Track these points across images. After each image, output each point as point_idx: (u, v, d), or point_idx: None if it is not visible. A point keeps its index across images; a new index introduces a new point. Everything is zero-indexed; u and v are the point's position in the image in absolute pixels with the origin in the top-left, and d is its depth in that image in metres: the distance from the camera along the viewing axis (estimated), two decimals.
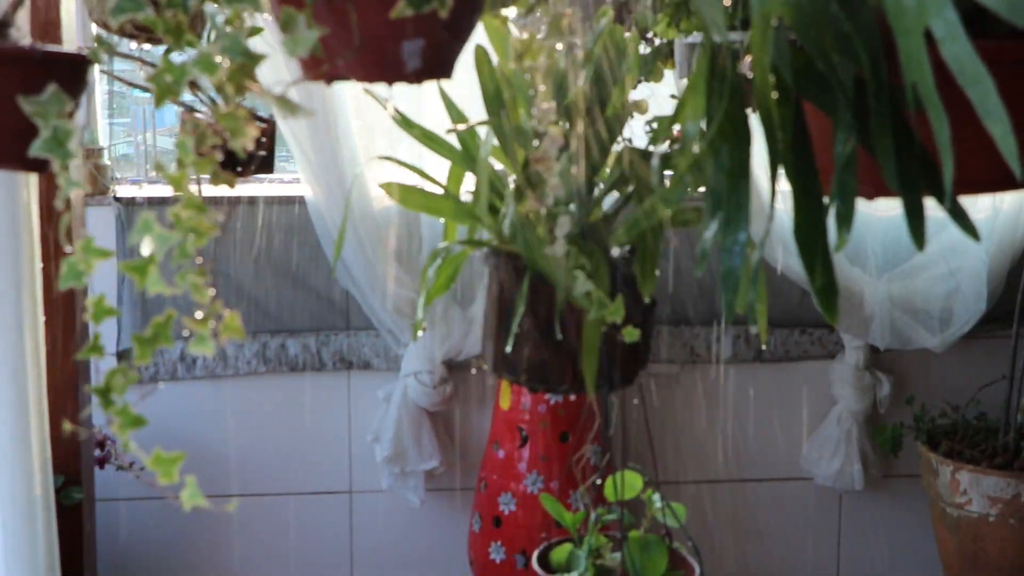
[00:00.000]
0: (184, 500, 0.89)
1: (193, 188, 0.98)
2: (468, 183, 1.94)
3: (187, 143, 0.99)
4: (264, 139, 1.90)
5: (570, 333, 1.67)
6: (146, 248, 1.19)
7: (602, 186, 1.78)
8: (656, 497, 2.12)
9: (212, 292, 0.95)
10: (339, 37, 0.96)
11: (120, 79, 1.93)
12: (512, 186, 1.82)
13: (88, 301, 0.93)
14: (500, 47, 1.69)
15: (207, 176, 0.99)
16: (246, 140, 0.95)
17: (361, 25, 0.93)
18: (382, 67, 0.98)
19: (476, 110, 2.30)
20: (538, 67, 1.20)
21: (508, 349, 1.60)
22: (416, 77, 1.00)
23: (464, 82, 1.95)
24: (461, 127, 1.75)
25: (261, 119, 1.87)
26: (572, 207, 1.61)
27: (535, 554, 2.19)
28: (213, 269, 2.72)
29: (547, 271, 1.53)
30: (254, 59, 0.92)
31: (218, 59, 0.93)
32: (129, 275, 0.91)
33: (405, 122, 1.83)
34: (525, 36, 1.22)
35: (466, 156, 1.81)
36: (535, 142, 1.71)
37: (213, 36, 1.00)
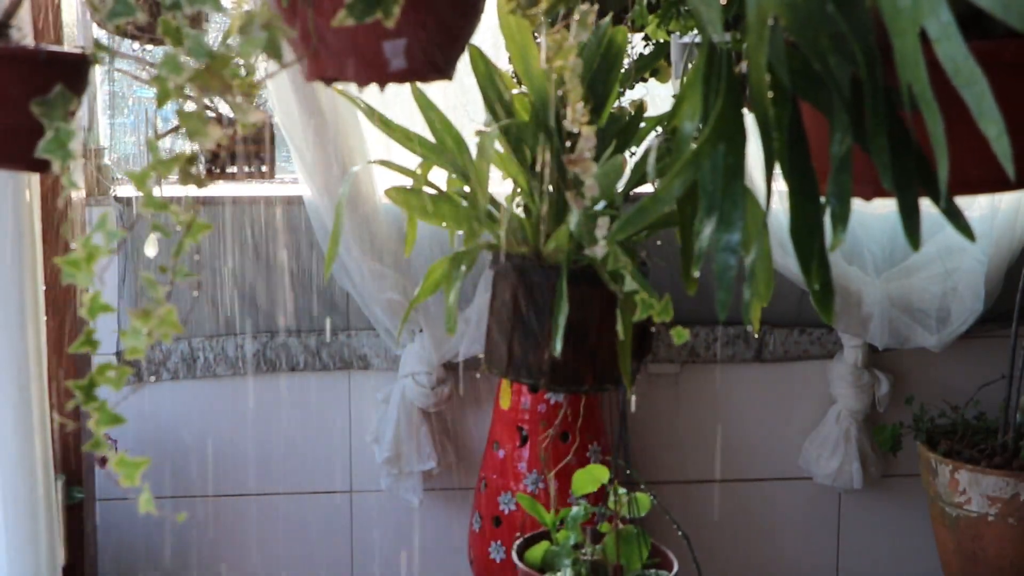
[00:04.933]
0: (140, 504, 0.89)
1: (187, 189, 0.99)
2: (435, 175, 1.93)
3: (155, 142, 0.99)
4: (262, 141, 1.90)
5: (589, 333, 1.68)
6: (151, 248, 1.19)
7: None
8: (621, 490, 2.11)
9: (194, 292, 0.96)
10: (319, 37, 0.96)
11: (129, 73, 1.93)
12: (517, 187, 1.82)
13: (84, 297, 0.93)
14: (515, 47, 1.68)
15: (175, 175, 0.99)
16: (207, 141, 0.95)
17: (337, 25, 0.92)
18: (366, 67, 0.98)
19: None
20: (569, 67, 1.19)
21: (557, 351, 1.58)
22: (403, 77, 0.99)
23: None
24: (476, 127, 1.74)
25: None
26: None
27: (513, 551, 2.18)
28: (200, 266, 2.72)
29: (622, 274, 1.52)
30: (219, 61, 0.92)
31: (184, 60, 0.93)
32: (66, 269, 0.92)
33: (385, 124, 1.83)
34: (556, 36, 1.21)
35: (446, 156, 1.80)
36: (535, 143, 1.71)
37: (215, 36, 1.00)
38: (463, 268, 1.76)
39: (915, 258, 2.84)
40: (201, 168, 1.05)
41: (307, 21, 0.94)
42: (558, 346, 1.58)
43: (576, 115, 1.25)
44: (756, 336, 2.90)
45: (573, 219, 1.54)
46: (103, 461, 2.48)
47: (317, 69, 1.01)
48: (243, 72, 0.99)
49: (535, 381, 1.75)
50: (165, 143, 1.07)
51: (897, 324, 2.84)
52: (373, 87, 1.03)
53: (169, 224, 0.99)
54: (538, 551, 2.11)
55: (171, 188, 1.13)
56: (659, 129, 1.89)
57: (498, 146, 1.74)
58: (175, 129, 1.11)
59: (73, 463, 2.29)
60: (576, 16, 1.37)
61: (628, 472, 2.08)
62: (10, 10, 1.33)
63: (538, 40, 1.77)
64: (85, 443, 2.33)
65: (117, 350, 2.66)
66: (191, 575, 2.87)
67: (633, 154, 1.94)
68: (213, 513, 2.84)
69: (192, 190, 1.01)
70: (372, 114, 1.80)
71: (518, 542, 2.18)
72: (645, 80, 2.21)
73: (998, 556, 2.57)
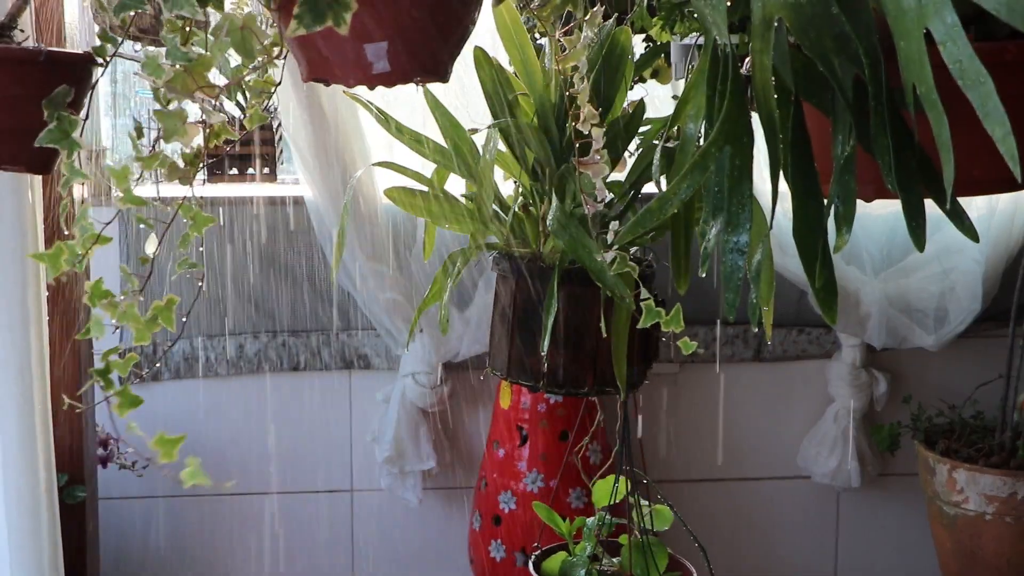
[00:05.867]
0: (185, 478, 0.90)
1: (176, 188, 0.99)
2: (451, 183, 1.92)
3: (136, 139, 0.99)
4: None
5: (589, 335, 1.67)
6: (151, 247, 1.19)
7: (611, 191, 1.79)
8: (643, 502, 2.12)
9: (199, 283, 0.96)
10: (309, 40, 0.96)
11: (141, 75, 1.93)
12: (519, 188, 1.82)
13: (87, 284, 0.93)
14: (513, 47, 1.69)
15: (164, 172, 1.00)
16: (185, 141, 0.95)
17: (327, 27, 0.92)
18: (351, 69, 0.98)
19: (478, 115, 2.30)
20: (579, 67, 1.19)
21: (544, 351, 1.59)
22: (388, 79, 0.99)
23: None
24: (476, 128, 1.75)
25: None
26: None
27: (530, 563, 2.18)
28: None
29: (593, 269, 1.52)
30: (199, 63, 0.93)
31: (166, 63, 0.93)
32: (38, 262, 0.93)
33: (396, 127, 1.83)
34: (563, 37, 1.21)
35: (457, 160, 1.80)
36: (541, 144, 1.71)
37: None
38: (456, 267, 1.77)
39: (913, 258, 2.84)
40: (201, 168, 1.06)
41: (285, 25, 0.94)
42: (545, 346, 1.59)
43: (586, 116, 1.25)
44: (755, 336, 2.91)
45: (551, 214, 1.54)
46: (105, 461, 2.48)
47: (310, 70, 1.01)
48: (245, 73, 1.00)
49: (534, 383, 1.75)
50: (169, 144, 1.07)
51: (895, 324, 2.85)
52: (374, 87, 1.03)
53: (158, 221, 0.99)
54: (555, 561, 2.12)
55: (171, 188, 1.13)
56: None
57: (503, 147, 1.74)
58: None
59: (75, 462, 2.29)
60: (587, 16, 1.37)
61: (645, 483, 2.08)
62: (13, 12, 1.34)
63: (540, 41, 1.77)
64: (88, 442, 2.33)
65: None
66: (192, 574, 2.87)
67: (632, 154, 1.94)
68: (214, 513, 2.84)
69: (184, 189, 1.01)
70: (388, 121, 1.80)
71: (535, 554, 2.19)
72: (644, 81, 2.21)
73: (996, 555, 2.58)
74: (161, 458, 0.88)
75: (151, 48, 0.98)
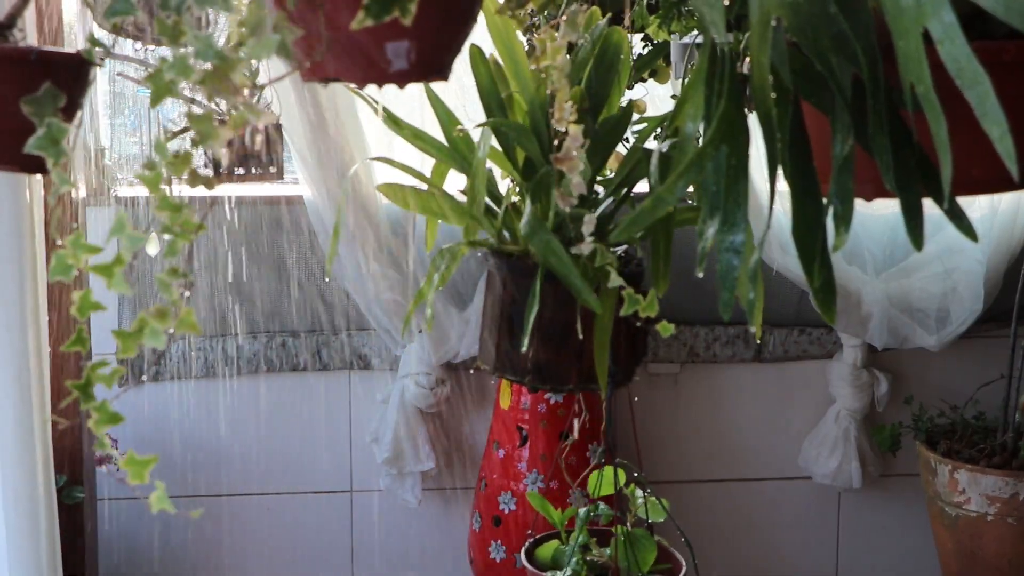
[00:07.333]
0: (152, 503, 0.88)
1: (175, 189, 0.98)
2: (452, 181, 1.92)
3: (164, 144, 0.98)
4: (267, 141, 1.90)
5: (573, 332, 1.67)
6: (152, 248, 1.19)
7: (603, 187, 1.79)
8: (639, 492, 2.13)
9: (185, 292, 0.94)
10: (320, 37, 0.96)
11: (131, 78, 1.93)
12: (515, 186, 1.82)
13: (74, 295, 0.93)
14: (502, 46, 1.69)
15: (185, 177, 0.98)
16: (217, 144, 0.94)
17: (343, 25, 0.92)
18: (366, 68, 0.98)
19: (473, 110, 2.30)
20: (557, 66, 1.19)
21: (524, 348, 1.60)
22: (403, 78, 0.99)
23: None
24: (468, 127, 1.74)
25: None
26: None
27: (523, 550, 2.20)
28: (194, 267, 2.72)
29: (561, 272, 1.52)
30: (228, 63, 0.92)
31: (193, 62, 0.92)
32: (95, 275, 0.91)
33: (394, 122, 1.83)
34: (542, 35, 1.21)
35: (455, 156, 1.80)
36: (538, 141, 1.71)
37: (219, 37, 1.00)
38: (443, 264, 1.77)
39: (914, 258, 2.84)
40: (201, 167, 1.05)
41: (314, 23, 0.93)
42: (525, 342, 1.59)
43: (563, 114, 1.25)
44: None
45: (524, 218, 1.54)
46: (103, 461, 2.48)
47: (316, 70, 1.00)
48: (247, 73, 0.99)
49: (520, 378, 1.76)
50: (171, 145, 1.06)
51: (896, 324, 2.84)
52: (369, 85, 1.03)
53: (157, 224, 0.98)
54: (548, 549, 2.14)
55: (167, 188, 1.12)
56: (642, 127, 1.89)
57: (498, 145, 1.74)
58: (184, 131, 1.11)
59: (74, 463, 2.29)
60: (564, 16, 1.36)
61: (636, 475, 2.09)
62: (13, 12, 1.33)
63: (532, 40, 1.77)
64: (86, 443, 2.33)
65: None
66: (191, 575, 2.87)
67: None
68: (213, 513, 2.84)
69: (201, 191, 1.00)
70: (397, 123, 1.81)
71: (529, 541, 2.20)
72: (644, 80, 2.21)
73: (997, 555, 2.57)
74: (131, 479, 0.86)
75: (182, 49, 0.96)
